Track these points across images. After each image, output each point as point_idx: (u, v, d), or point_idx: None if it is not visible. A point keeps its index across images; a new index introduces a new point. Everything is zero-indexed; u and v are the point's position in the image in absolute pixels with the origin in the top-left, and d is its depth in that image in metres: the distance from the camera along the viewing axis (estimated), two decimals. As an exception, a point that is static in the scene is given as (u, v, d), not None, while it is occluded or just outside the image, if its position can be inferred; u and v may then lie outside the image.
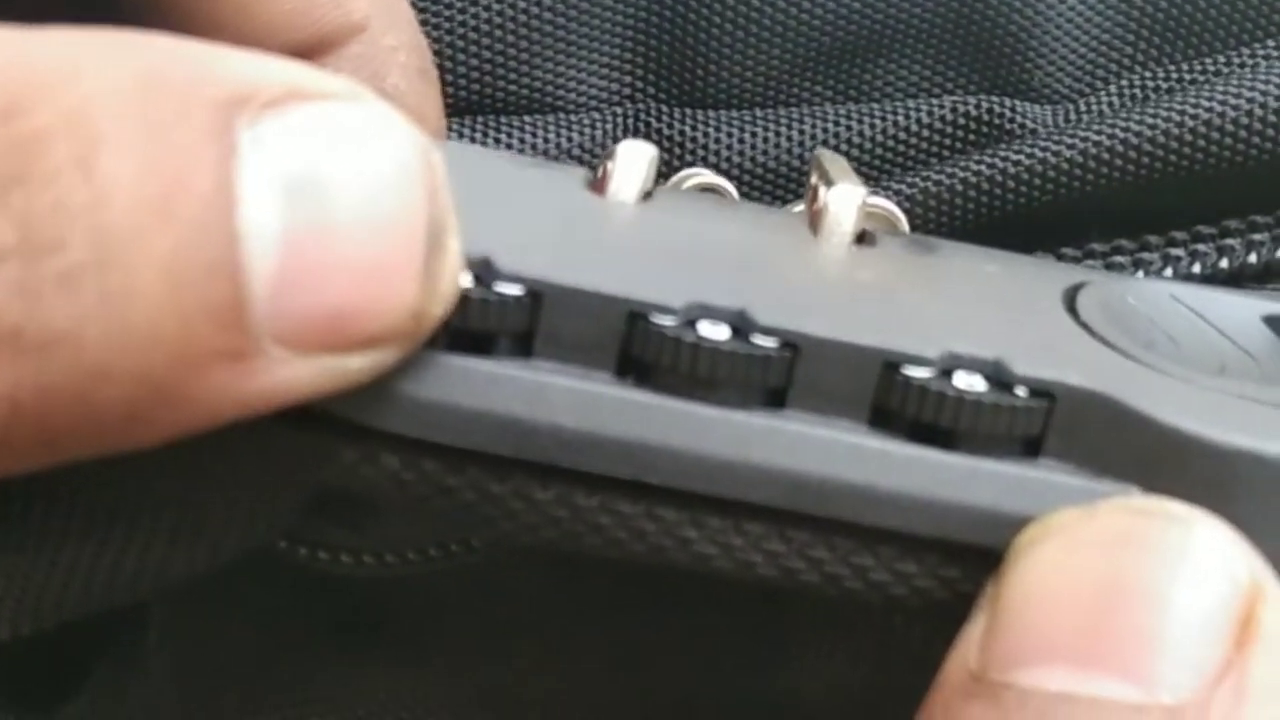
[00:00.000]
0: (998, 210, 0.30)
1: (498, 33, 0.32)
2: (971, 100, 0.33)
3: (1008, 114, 0.32)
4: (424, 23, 0.32)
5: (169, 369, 0.17)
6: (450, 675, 0.27)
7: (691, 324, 0.20)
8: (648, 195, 0.25)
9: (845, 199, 0.24)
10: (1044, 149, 0.30)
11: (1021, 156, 0.30)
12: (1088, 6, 0.33)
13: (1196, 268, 0.30)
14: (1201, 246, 0.30)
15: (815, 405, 0.21)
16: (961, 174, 0.31)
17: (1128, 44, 0.33)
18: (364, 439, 0.20)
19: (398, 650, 0.27)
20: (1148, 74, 0.33)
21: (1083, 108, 0.33)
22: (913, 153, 0.32)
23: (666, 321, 0.20)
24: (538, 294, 0.20)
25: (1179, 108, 0.30)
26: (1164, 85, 0.32)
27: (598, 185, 0.25)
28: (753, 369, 0.20)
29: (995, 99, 0.33)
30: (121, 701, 0.26)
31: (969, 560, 0.21)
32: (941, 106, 0.32)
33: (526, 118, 0.33)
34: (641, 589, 0.25)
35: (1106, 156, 0.30)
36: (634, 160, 0.24)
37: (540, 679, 0.27)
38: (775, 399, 0.21)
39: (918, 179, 0.31)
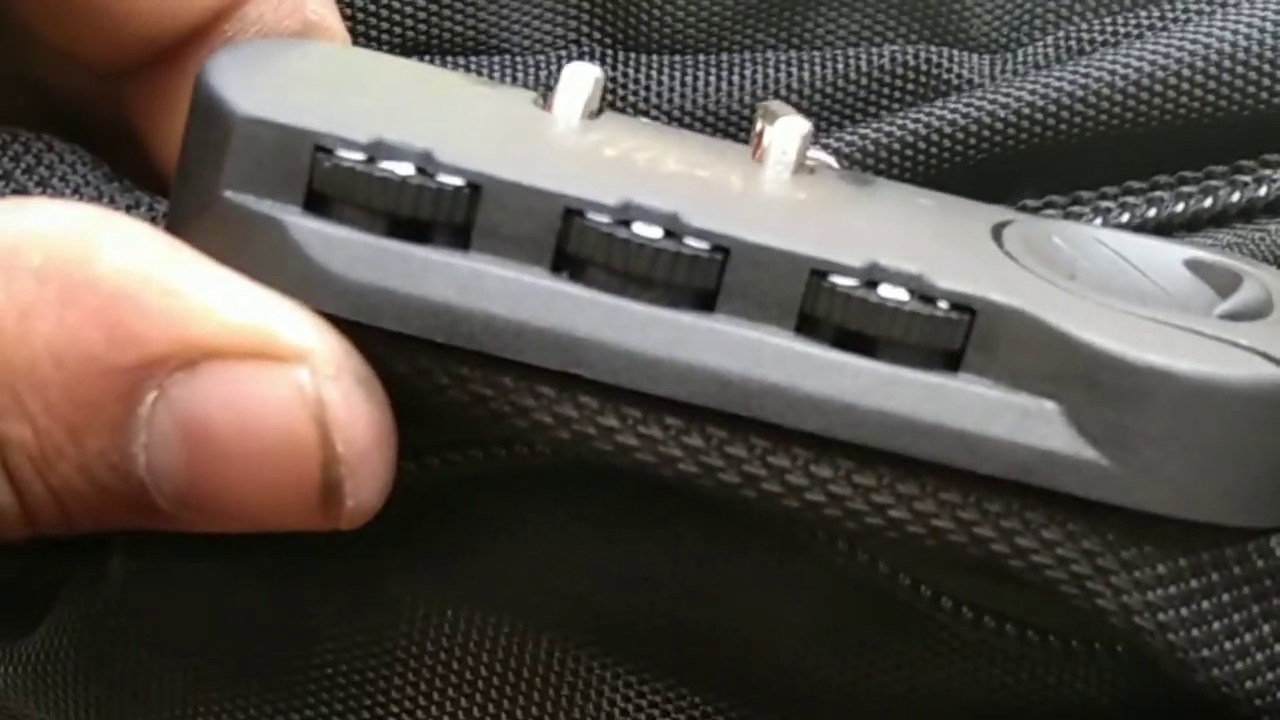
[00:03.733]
0: (933, 167, 0.31)
1: (444, -26, 0.32)
2: (910, 50, 0.33)
3: (946, 64, 0.33)
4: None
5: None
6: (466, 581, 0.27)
7: (625, 223, 0.21)
8: (594, 115, 0.25)
9: (789, 129, 0.25)
10: (978, 105, 0.31)
11: (956, 113, 0.31)
12: (1025, -42, 0.34)
13: (1125, 217, 0.31)
14: (1131, 199, 0.31)
15: (743, 310, 0.21)
16: (897, 129, 0.31)
17: (1064, -4, 0.34)
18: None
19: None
20: (1084, 26, 0.33)
21: (1020, 59, 0.33)
22: (852, 101, 0.33)
23: (601, 219, 0.21)
24: (476, 186, 0.21)
25: (1109, 65, 0.31)
26: (1099, 39, 0.33)
27: (545, 104, 0.25)
28: (682, 269, 0.21)
29: (934, 49, 0.33)
30: (87, 629, 0.26)
31: (884, 467, 0.21)
32: (881, 56, 0.33)
33: (473, 58, 0.33)
34: (634, 508, 0.26)
35: (1039, 114, 0.30)
36: (580, 80, 0.25)
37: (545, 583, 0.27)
38: (705, 301, 0.21)
39: (854, 135, 0.31)
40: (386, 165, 0.21)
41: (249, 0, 0.26)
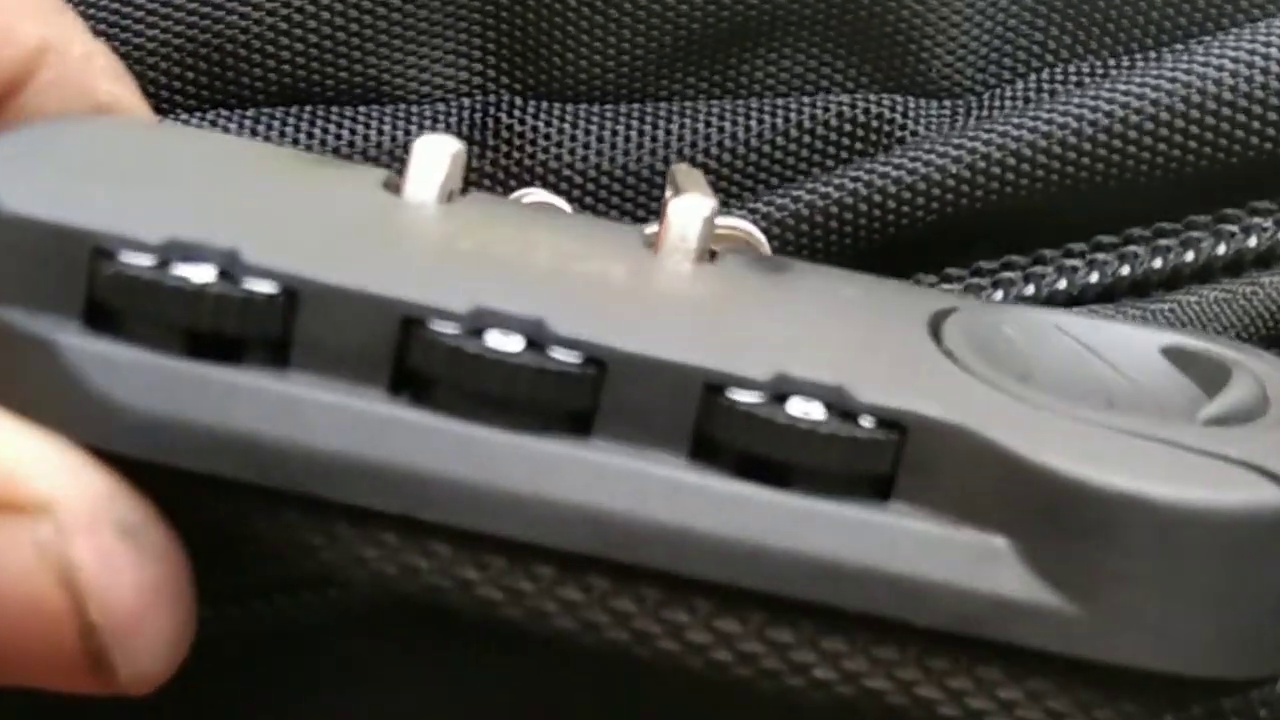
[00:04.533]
0: (876, 230, 0.27)
1: (324, 14, 0.29)
2: (860, 101, 0.29)
3: (899, 117, 0.29)
4: (236, 6, 0.28)
5: None
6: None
7: (478, 333, 0.18)
8: (450, 197, 0.22)
9: (689, 211, 0.21)
10: (926, 159, 0.27)
11: (902, 169, 0.27)
12: (993, -10, 0.30)
13: (1094, 277, 0.27)
14: (1101, 255, 0.27)
15: (625, 434, 0.18)
16: (834, 189, 0.27)
17: (1037, 34, 0.30)
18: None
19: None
20: (1068, 69, 0.29)
21: (986, 102, 0.30)
22: (791, 160, 0.29)
23: (447, 329, 0.18)
24: (293, 292, 0.18)
25: (1075, 109, 0.27)
26: (1087, 83, 0.29)
27: (393, 185, 0.22)
28: (548, 387, 0.18)
29: (886, 98, 0.29)
30: None
31: (804, 620, 0.18)
32: (826, 108, 0.29)
33: (360, 108, 0.29)
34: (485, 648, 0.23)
35: (996, 167, 0.27)
36: (434, 155, 0.21)
37: None
38: (578, 425, 0.18)
39: (786, 197, 0.27)
40: (181, 270, 0.18)
41: (23, 89, 0.23)
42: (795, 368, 0.18)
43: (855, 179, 0.27)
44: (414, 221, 0.21)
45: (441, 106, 0.29)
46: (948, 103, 0.30)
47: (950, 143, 0.27)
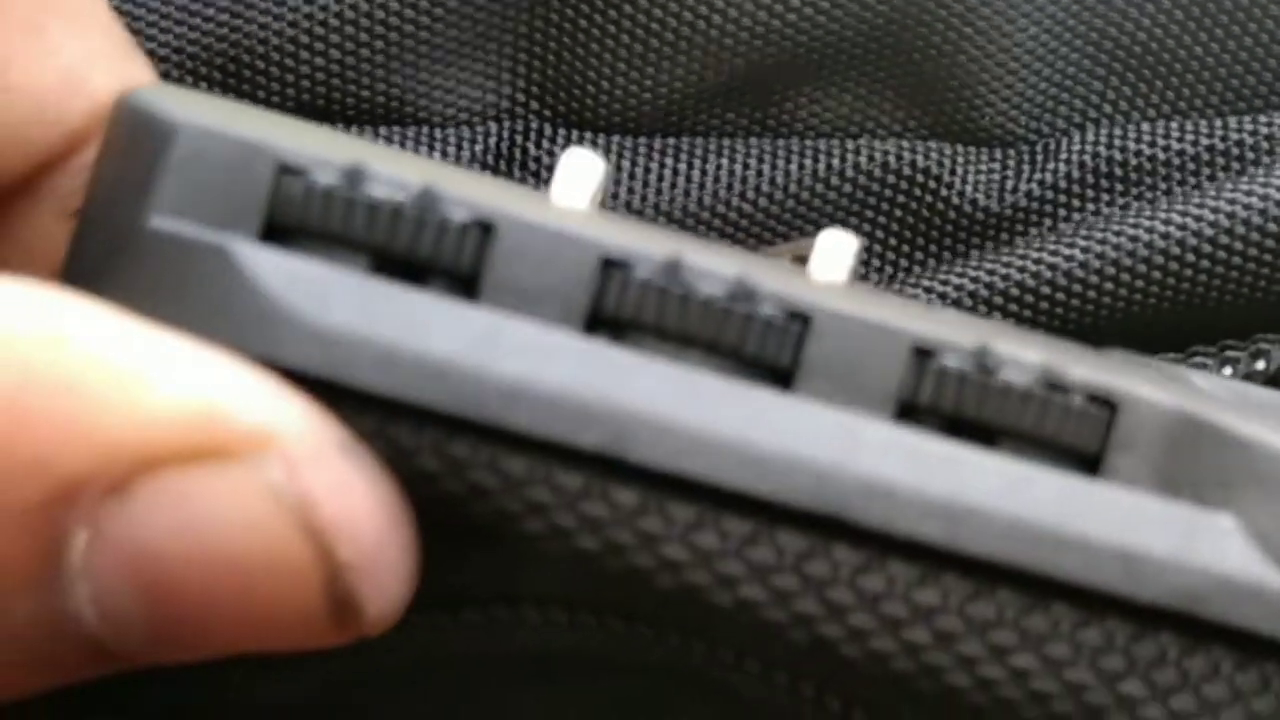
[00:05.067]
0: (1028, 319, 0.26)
1: (349, 29, 0.27)
2: (906, 151, 0.28)
3: (945, 174, 0.28)
4: (256, 16, 0.27)
5: None
6: None
7: (679, 280, 0.17)
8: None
9: (838, 242, 0.20)
10: (1050, 259, 0.26)
11: (1025, 269, 0.26)
12: (1052, 36, 0.28)
13: (1227, 371, 0.26)
14: (1232, 353, 0.26)
15: (826, 392, 0.17)
16: (954, 283, 0.26)
17: (1096, 83, 0.28)
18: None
19: None
20: (1119, 133, 0.28)
21: (1039, 154, 0.28)
22: (829, 207, 0.28)
23: (649, 274, 0.17)
24: (489, 225, 0.17)
25: (1212, 203, 0.26)
26: (1145, 150, 0.28)
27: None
28: (754, 336, 0.17)
29: (935, 146, 0.28)
30: None
31: (1006, 594, 0.18)
32: (871, 156, 0.28)
33: (381, 129, 0.28)
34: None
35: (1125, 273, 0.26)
36: (585, 168, 0.20)
37: None
38: (779, 379, 0.17)
39: (897, 286, 0.26)
40: (374, 189, 0.17)
41: (89, 144, 0.21)
42: (999, 344, 0.18)
43: (975, 272, 0.26)
44: (575, 209, 0.20)
45: (466, 131, 0.28)
46: (998, 152, 0.28)
47: (1077, 239, 0.26)
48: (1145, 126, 0.28)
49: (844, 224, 0.27)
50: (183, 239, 0.17)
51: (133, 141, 0.18)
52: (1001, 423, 0.17)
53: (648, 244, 0.17)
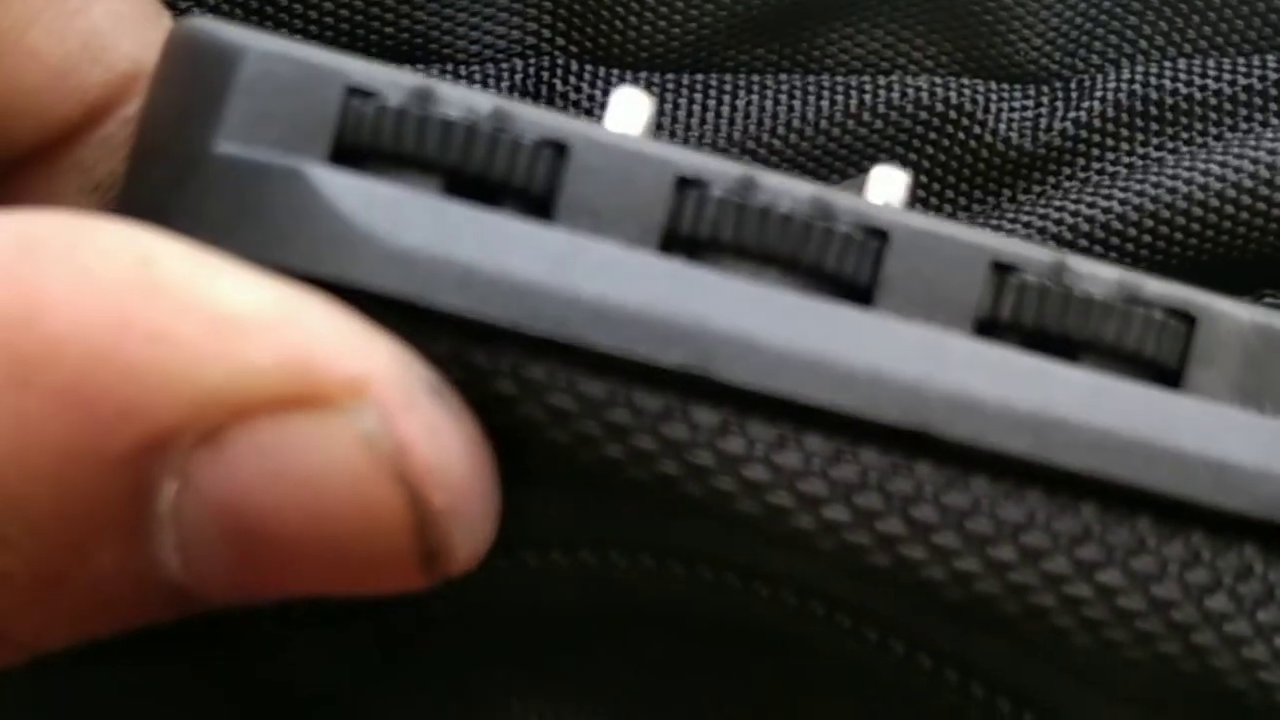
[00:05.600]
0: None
1: (374, -35, 0.27)
2: (939, 89, 0.27)
3: (978, 112, 0.27)
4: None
5: None
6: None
7: (755, 197, 0.17)
8: None
9: (891, 178, 0.20)
10: (1086, 208, 0.25)
11: (1058, 223, 0.25)
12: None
13: None
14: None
15: (905, 308, 0.17)
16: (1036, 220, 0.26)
17: (1131, 18, 0.28)
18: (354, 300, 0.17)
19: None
20: (1157, 69, 0.27)
21: (1073, 90, 0.28)
22: (861, 144, 0.27)
23: (725, 192, 0.17)
24: (562, 145, 0.17)
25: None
26: (1181, 89, 0.27)
27: None
28: (833, 251, 0.17)
29: (967, 83, 0.27)
30: None
31: (1091, 509, 0.17)
32: (904, 94, 0.27)
33: (405, 67, 0.27)
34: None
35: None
36: (635, 106, 0.20)
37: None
38: (858, 296, 0.17)
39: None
40: (446, 109, 0.17)
41: (109, 117, 0.21)
42: (1073, 262, 0.18)
43: (1061, 209, 0.26)
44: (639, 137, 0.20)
45: (491, 68, 0.27)
46: (1032, 89, 0.28)
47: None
48: (1181, 63, 0.27)
49: (874, 160, 0.27)
50: (254, 163, 0.17)
51: (196, 66, 0.17)
52: (1082, 336, 0.17)
53: (721, 164, 0.17)
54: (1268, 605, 0.18)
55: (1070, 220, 0.25)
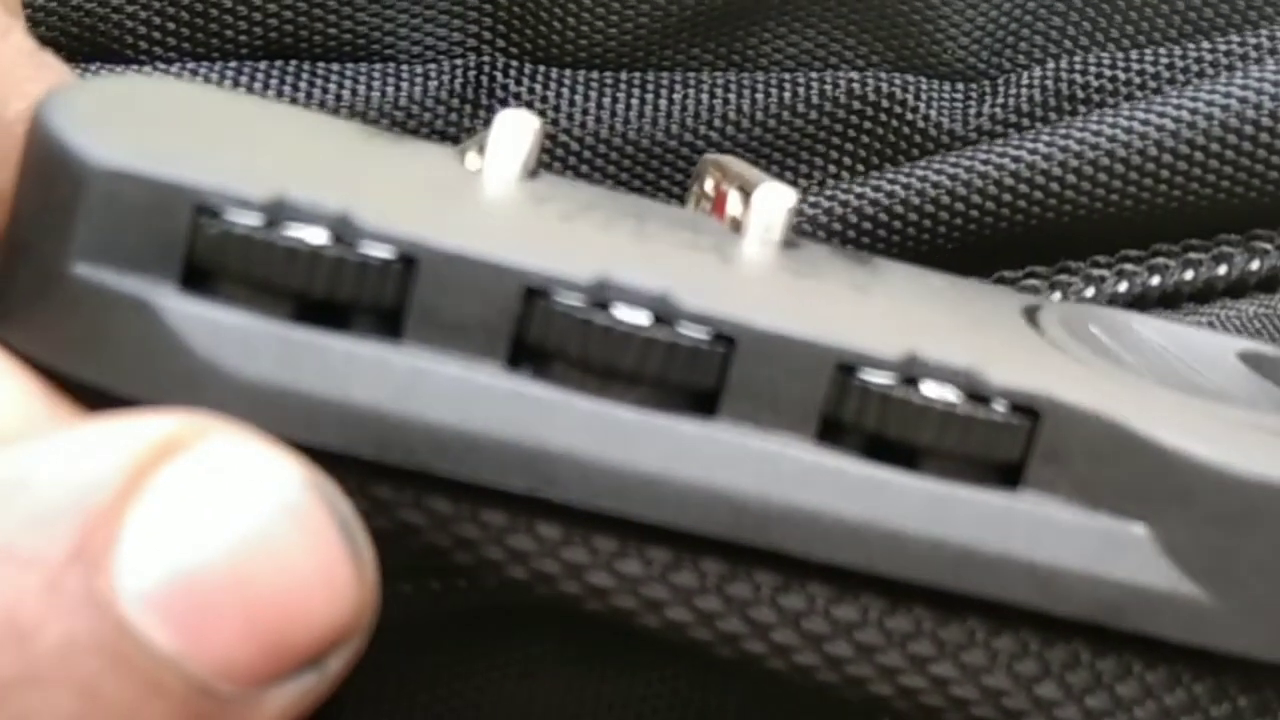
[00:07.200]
0: (895, 241, 0.26)
1: (315, -35, 0.27)
2: (871, 79, 0.28)
3: (912, 100, 0.28)
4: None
5: None
6: None
7: (603, 305, 0.17)
8: (532, 176, 0.21)
9: (775, 200, 0.21)
10: (951, 173, 0.26)
11: (926, 181, 0.26)
12: (1011, -28, 0.29)
13: (1123, 286, 0.26)
14: (1130, 266, 0.26)
15: (751, 414, 0.17)
16: (854, 197, 0.26)
17: (1055, 19, 0.29)
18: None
19: None
20: (1076, 62, 0.28)
21: (1000, 95, 0.28)
22: (798, 136, 0.28)
23: (572, 301, 0.17)
24: (411, 259, 0.17)
25: (1108, 133, 0.26)
26: (1092, 82, 0.28)
27: (466, 159, 0.21)
28: (678, 363, 0.17)
29: (899, 78, 0.28)
30: None
31: (922, 610, 0.18)
32: (835, 84, 0.28)
33: (348, 66, 0.28)
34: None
35: (1024, 185, 0.26)
36: (518, 131, 0.20)
37: None
38: (703, 404, 0.17)
39: (827, 198, 0.26)
40: (293, 231, 0.17)
41: None
42: (924, 349, 0.17)
43: (878, 185, 0.26)
44: (506, 194, 0.20)
45: (433, 68, 0.28)
46: (960, 86, 0.29)
47: (977, 156, 0.26)
48: (1105, 57, 0.28)
49: (810, 151, 0.28)
50: (105, 289, 0.17)
51: (48, 178, 0.17)
52: (923, 442, 0.17)
53: (572, 260, 0.17)
54: (1095, 692, 0.18)
55: (995, 174, 0.26)
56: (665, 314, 0.17)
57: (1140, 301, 0.26)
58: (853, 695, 0.18)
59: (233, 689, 0.16)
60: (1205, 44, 0.27)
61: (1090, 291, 0.26)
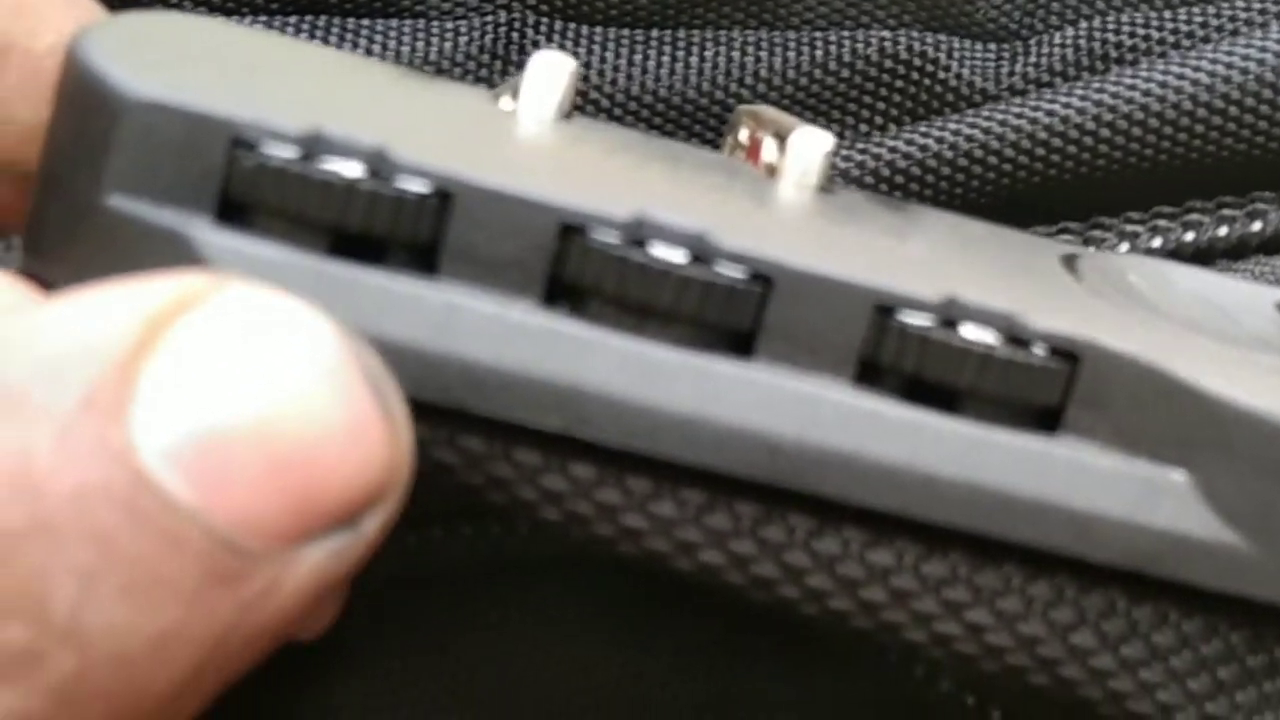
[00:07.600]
0: (929, 194, 0.26)
1: (347, -82, 0.27)
2: (903, 38, 0.28)
3: (944, 59, 0.28)
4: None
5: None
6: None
7: (639, 243, 0.17)
8: (567, 118, 0.21)
9: (813, 144, 0.21)
10: (985, 126, 0.26)
11: (960, 135, 0.26)
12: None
13: (1157, 242, 0.26)
14: (1163, 223, 0.26)
15: (788, 355, 0.17)
16: (887, 151, 0.26)
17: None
18: None
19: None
20: (1108, 21, 0.28)
21: (1031, 56, 0.28)
22: (830, 95, 0.28)
23: (608, 238, 0.17)
24: (446, 194, 0.17)
25: (1143, 88, 0.26)
26: (1125, 41, 0.28)
27: (501, 101, 0.21)
28: (714, 302, 0.17)
29: (931, 38, 0.28)
30: None
31: (958, 555, 0.17)
32: (868, 43, 0.28)
33: (378, 22, 0.28)
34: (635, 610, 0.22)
35: (1058, 139, 0.26)
36: (553, 72, 0.20)
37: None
38: (740, 344, 0.17)
39: (852, 151, 0.26)
40: (329, 164, 0.17)
41: None
42: (964, 292, 0.17)
43: (910, 139, 0.26)
44: (542, 134, 0.20)
45: (464, 23, 0.28)
46: (993, 46, 0.28)
47: (1011, 111, 0.26)
48: (1138, 16, 0.28)
49: (842, 110, 0.28)
50: (140, 221, 0.17)
51: (83, 110, 0.17)
52: (962, 385, 0.17)
53: (609, 198, 0.17)
54: (1131, 640, 0.18)
55: (1029, 127, 0.26)
56: (702, 253, 0.17)
57: (1174, 257, 0.26)
58: (887, 642, 0.18)
59: (260, 546, 0.15)
60: (1239, 1, 0.27)
61: (1124, 247, 0.26)
